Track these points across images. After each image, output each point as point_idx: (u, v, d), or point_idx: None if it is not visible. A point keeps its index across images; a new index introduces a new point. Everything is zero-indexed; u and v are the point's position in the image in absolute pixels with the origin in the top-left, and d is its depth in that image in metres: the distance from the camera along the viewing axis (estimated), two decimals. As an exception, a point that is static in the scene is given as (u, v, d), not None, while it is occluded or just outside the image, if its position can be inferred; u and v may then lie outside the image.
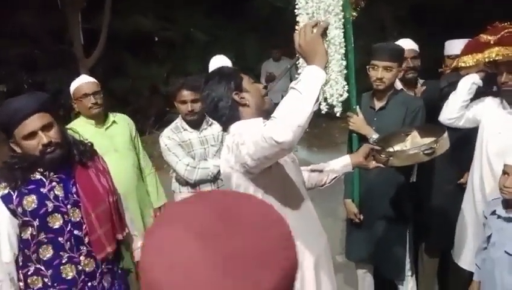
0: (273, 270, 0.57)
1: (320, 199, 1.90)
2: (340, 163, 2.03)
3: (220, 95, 1.65)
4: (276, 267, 0.57)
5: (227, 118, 1.67)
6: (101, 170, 1.95)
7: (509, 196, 1.97)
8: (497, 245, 2.00)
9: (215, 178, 2.69)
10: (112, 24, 6.84)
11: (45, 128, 1.71)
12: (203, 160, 2.68)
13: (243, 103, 1.66)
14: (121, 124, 2.83)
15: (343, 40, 2.43)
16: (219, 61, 3.23)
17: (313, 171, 2.01)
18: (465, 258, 2.56)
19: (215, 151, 2.73)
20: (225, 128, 1.70)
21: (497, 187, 2.11)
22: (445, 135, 1.92)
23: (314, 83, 1.37)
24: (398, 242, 2.62)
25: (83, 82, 2.70)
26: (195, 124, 2.72)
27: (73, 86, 2.71)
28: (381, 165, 1.98)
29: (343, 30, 2.26)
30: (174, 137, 2.68)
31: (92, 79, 2.77)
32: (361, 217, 2.66)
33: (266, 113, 1.66)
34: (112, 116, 2.81)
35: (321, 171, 2.00)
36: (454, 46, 2.85)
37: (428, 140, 1.96)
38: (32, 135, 1.69)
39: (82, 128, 2.64)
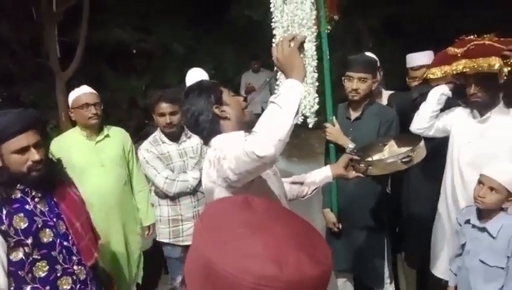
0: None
1: (299, 209, 1.90)
2: (321, 174, 2.06)
3: (201, 109, 1.65)
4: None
5: (208, 131, 1.67)
6: (71, 183, 1.99)
7: (483, 206, 2.02)
8: (472, 254, 2.04)
9: (195, 190, 2.69)
10: (89, 36, 6.78)
11: (36, 145, 1.72)
12: (182, 172, 2.68)
13: (224, 116, 1.67)
14: (114, 139, 2.79)
15: (315, 53, 2.49)
16: (195, 74, 3.25)
17: (294, 183, 2.02)
18: (440, 267, 2.60)
19: (194, 163, 2.74)
20: (206, 142, 1.70)
21: (468, 196, 2.17)
22: (422, 143, 1.97)
23: (293, 97, 1.38)
24: (377, 250, 2.66)
25: (84, 92, 2.70)
26: (174, 136, 2.73)
27: (73, 95, 2.70)
28: (361, 175, 2.01)
29: (316, 43, 2.32)
30: (152, 150, 2.68)
31: (92, 90, 2.76)
32: (340, 226, 2.70)
33: (247, 125, 1.67)
34: (106, 130, 2.78)
35: (302, 183, 2.02)
36: (415, 59, 2.99)
37: (405, 149, 2.02)
38: (24, 150, 1.69)
39: (72, 139, 2.66)
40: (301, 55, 1.49)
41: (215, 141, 1.63)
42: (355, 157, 2.03)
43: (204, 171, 1.65)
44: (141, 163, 2.71)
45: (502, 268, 1.94)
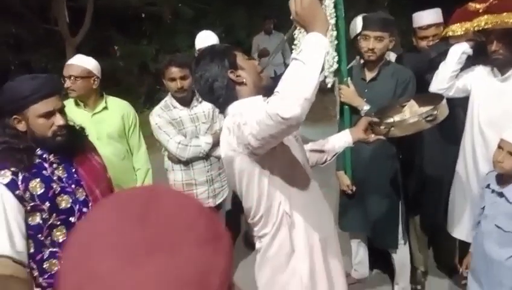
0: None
1: (313, 170, 1.89)
2: (340, 139, 1.98)
3: (215, 75, 1.55)
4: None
5: (224, 99, 1.57)
6: (94, 149, 1.99)
7: (502, 171, 1.97)
8: (489, 218, 2.02)
9: (208, 155, 2.69)
10: (97, 1, 6.68)
11: (61, 111, 1.74)
12: (195, 138, 2.67)
13: (240, 81, 1.57)
14: (113, 112, 2.65)
15: (333, 10, 2.40)
16: (205, 37, 3.19)
17: (313, 150, 1.95)
18: (457, 228, 2.59)
19: (206, 128, 2.72)
20: (222, 110, 1.61)
21: (489, 155, 2.12)
22: (444, 101, 1.90)
23: (317, 51, 1.28)
24: (391, 212, 2.65)
25: (72, 63, 2.62)
26: (185, 101, 2.70)
27: (67, 64, 2.64)
28: (382, 137, 1.93)
29: (333, 0, 2.23)
30: (164, 115, 2.66)
31: (76, 62, 2.62)
32: (354, 189, 2.69)
33: (264, 90, 1.60)
34: (105, 102, 2.65)
35: (322, 150, 1.96)
36: (423, 17, 2.81)
37: (427, 108, 1.95)
38: (50, 114, 1.70)
39: (69, 110, 2.61)
40: (322, 6, 1.39)
41: (232, 107, 1.55)
42: (375, 119, 1.95)
43: (223, 140, 1.56)
44: (153, 128, 2.69)
45: None
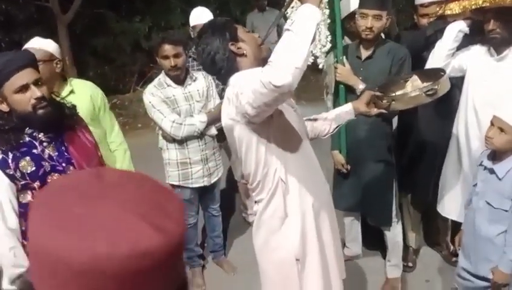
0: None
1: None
2: (343, 111, 2.03)
3: (216, 47, 1.61)
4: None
5: (225, 70, 1.63)
6: (84, 126, 1.97)
7: (491, 147, 1.99)
8: (480, 195, 2.04)
9: (202, 134, 2.68)
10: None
11: (36, 83, 1.68)
12: (189, 116, 2.65)
13: (240, 53, 1.63)
14: (81, 94, 2.45)
15: (327, -13, 2.36)
16: (199, 14, 3.14)
17: (315, 120, 2.01)
18: (448, 207, 2.62)
19: (200, 107, 2.70)
20: (224, 82, 1.67)
21: (482, 135, 2.13)
22: (446, 76, 1.92)
23: (309, 22, 1.33)
24: (385, 190, 2.67)
25: (31, 46, 2.31)
26: (179, 79, 2.67)
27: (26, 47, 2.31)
28: (384, 111, 1.97)
29: None
30: (158, 94, 2.63)
31: (42, 45, 2.35)
32: (349, 168, 2.70)
33: (264, 62, 1.61)
34: (70, 85, 2.44)
35: (324, 120, 2.01)
36: None
37: (428, 83, 1.97)
38: (25, 87, 1.65)
39: None
40: None
41: (233, 78, 1.60)
42: (377, 93, 1.98)
43: (223, 110, 1.63)
44: (147, 107, 2.66)
45: (506, 211, 1.94)
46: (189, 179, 2.76)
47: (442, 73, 1.98)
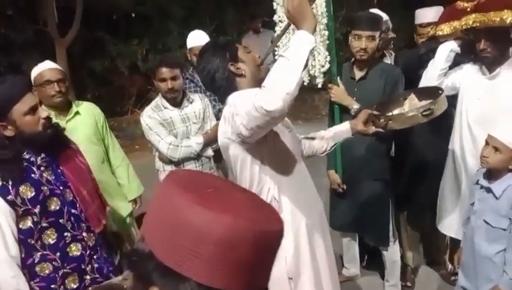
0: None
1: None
2: (341, 130, 2.05)
3: (216, 66, 1.66)
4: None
5: (224, 89, 1.67)
6: (76, 150, 1.99)
7: (487, 166, 2.00)
8: (478, 214, 2.04)
9: (199, 156, 2.68)
10: (86, 1, 6.63)
11: (40, 105, 1.76)
12: (186, 138, 2.66)
13: (239, 73, 1.67)
14: (85, 115, 2.57)
15: (325, 9, 2.41)
16: (197, 37, 3.19)
17: (313, 139, 2.04)
18: (446, 224, 2.61)
19: (197, 128, 2.72)
20: (223, 100, 1.71)
21: (477, 153, 2.14)
22: (443, 95, 1.93)
23: (302, 49, 1.36)
24: (381, 210, 2.67)
25: (46, 68, 2.44)
26: (176, 101, 2.69)
27: (35, 71, 2.43)
28: (381, 130, 1.99)
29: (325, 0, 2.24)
30: (155, 116, 2.64)
31: (56, 65, 2.51)
32: (345, 187, 2.70)
33: (263, 82, 1.68)
34: (76, 107, 2.55)
35: (321, 138, 2.04)
36: (424, 15, 2.86)
37: (426, 102, 1.99)
38: (34, 108, 1.70)
39: None
40: (312, 7, 1.45)
41: (231, 97, 1.64)
42: (375, 112, 1.99)
43: (220, 129, 1.68)
44: (144, 129, 2.67)
45: (504, 229, 1.94)
46: (186, 201, 2.75)
47: (440, 92, 1.99)
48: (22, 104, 1.67)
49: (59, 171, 1.82)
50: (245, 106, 1.41)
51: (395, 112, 2.11)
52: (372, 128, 2.00)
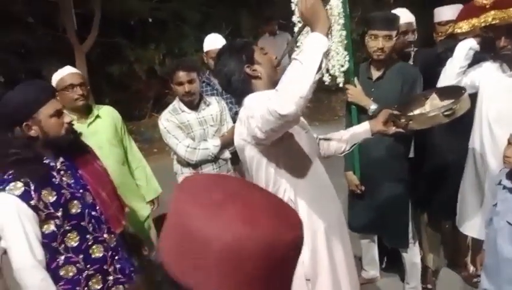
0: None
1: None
2: (360, 130, 2.04)
3: (232, 69, 1.67)
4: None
5: (240, 91, 1.68)
6: (93, 154, 2.03)
7: (509, 166, 1.96)
8: (501, 215, 2.00)
9: (216, 158, 2.70)
10: (103, 7, 6.74)
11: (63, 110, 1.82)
12: (203, 141, 2.68)
13: (255, 75, 1.68)
14: (105, 118, 2.64)
15: (342, 10, 2.40)
16: (213, 40, 3.21)
17: (331, 139, 2.03)
18: (468, 225, 2.57)
19: (214, 131, 2.74)
20: (240, 102, 1.71)
21: (498, 152, 2.10)
22: (465, 95, 1.89)
23: (315, 51, 1.35)
24: (401, 211, 2.64)
25: (68, 73, 2.51)
26: (193, 105, 2.71)
27: (57, 77, 2.49)
28: (401, 130, 1.96)
29: (341, 0, 2.23)
30: (172, 119, 2.67)
31: (76, 70, 2.59)
32: (363, 189, 2.68)
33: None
34: (96, 110, 2.62)
35: (340, 138, 2.03)
36: (443, 13, 2.81)
37: (447, 102, 1.95)
38: (60, 112, 1.76)
39: None
40: (326, 8, 1.44)
41: (247, 100, 1.64)
42: (395, 112, 1.97)
43: (236, 130, 1.69)
44: (162, 132, 2.71)
45: None
46: (204, 203, 2.77)
47: (463, 91, 1.94)
48: (49, 107, 1.72)
49: (78, 174, 1.86)
50: (260, 109, 1.42)
51: (416, 112, 2.07)
52: (393, 129, 1.97)
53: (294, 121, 1.39)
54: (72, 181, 1.81)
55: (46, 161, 1.76)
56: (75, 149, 1.86)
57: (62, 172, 1.79)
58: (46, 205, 1.69)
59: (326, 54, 1.42)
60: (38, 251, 1.68)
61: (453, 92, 2.03)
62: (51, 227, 1.72)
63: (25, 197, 1.64)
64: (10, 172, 1.66)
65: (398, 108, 2.04)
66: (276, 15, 6.62)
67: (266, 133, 1.44)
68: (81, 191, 1.83)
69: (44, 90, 1.75)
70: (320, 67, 1.35)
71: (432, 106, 2.05)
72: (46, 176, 1.73)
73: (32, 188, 1.67)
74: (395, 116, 1.95)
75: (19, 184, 1.64)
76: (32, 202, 1.66)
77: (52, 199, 1.71)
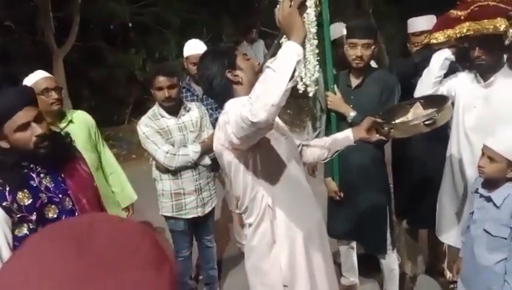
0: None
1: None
2: (343, 137, 2.04)
3: (214, 73, 1.68)
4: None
5: (222, 96, 1.70)
6: (79, 158, 1.97)
7: (484, 176, 1.98)
8: (478, 223, 2.02)
9: (196, 164, 2.68)
10: (83, 11, 6.65)
11: (37, 119, 1.69)
12: (183, 147, 2.66)
13: (236, 80, 1.69)
14: (79, 123, 2.58)
15: (314, 19, 2.42)
16: (193, 46, 3.20)
17: (314, 146, 2.04)
18: (445, 233, 2.60)
19: (194, 137, 2.72)
20: (221, 106, 1.72)
21: (475, 160, 2.14)
22: (448, 104, 1.92)
23: (288, 60, 1.35)
24: (379, 217, 2.67)
25: (42, 76, 2.45)
26: (173, 110, 2.69)
27: (30, 81, 2.40)
28: (383, 138, 1.99)
29: (315, 9, 2.25)
30: (151, 125, 2.65)
31: (49, 74, 2.52)
32: (342, 195, 2.70)
33: None
34: (69, 115, 2.57)
35: (322, 145, 2.04)
36: (417, 23, 2.87)
37: (430, 110, 1.97)
38: (25, 126, 1.65)
39: None
40: (303, 16, 1.46)
41: (227, 105, 1.66)
42: (378, 120, 1.99)
43: (215, 135, 1.71)
44: (141, 138, 2.67)
45: (505, 238, 1.92)
46: (182, 210, 2.74)
47: (444, 102, 1.96)
48: (13, 121, 1.63)
49: (59, 178, 1.80)
50: (235, 115, 1.43)
51: (399, 120, 2.10)
52: (375, 136, 1.99)
53: (266, 128, 1.40)
54: (52, 185, 1.76)
55: (26, 163, 1.71)
56: (59, 153, 1.80)
57: (42, 175, 1.74)
58: (20, 208, 1.64)
59: (301, 62, 1.42)
60: (6, 254, 1.63)
61: (438, 101, 2.05)
62: (23, 230, 1.67)
63: None
64: None
65: (382, 116, 2.06)
66: (257, 22, 6.66)
67: (241, 140, 1.46)
68: (60, 195, 1.77)
69: (11, 103, 1.64)
70: (293, 76, 1.34)
71: (415, 115, 2.08)
72: (24, 178, 1.69)
73: (8, 189, 1.63)
74: (378, 124, 1.97)
75: None
76: (5, 204, 1.62)
77: (27, 201, 1.66)
